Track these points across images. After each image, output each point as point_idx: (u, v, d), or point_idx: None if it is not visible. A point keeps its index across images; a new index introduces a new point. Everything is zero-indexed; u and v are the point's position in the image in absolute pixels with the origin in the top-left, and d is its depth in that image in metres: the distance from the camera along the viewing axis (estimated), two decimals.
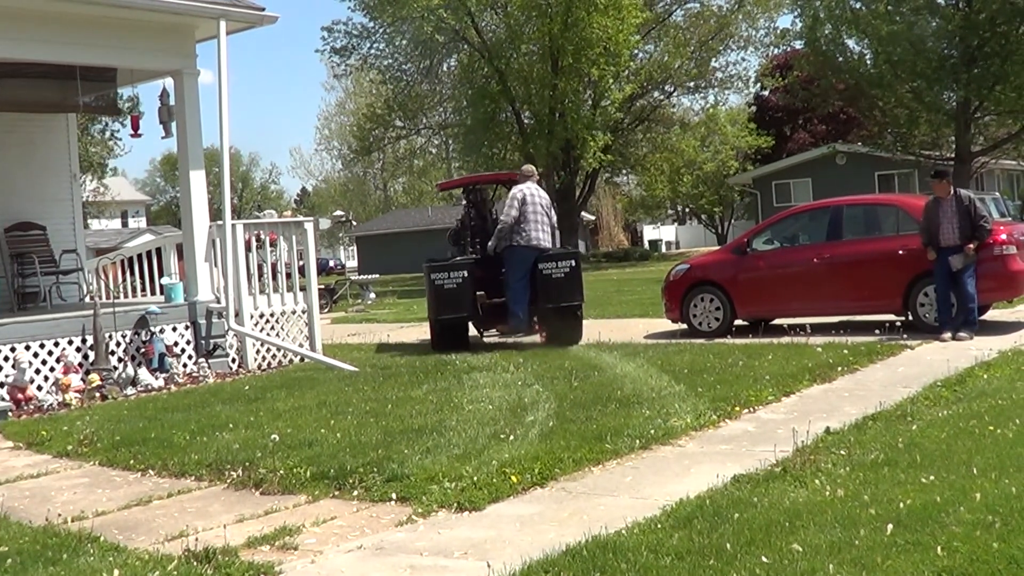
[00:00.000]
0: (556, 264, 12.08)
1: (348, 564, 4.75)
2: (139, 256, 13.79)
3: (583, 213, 48.43)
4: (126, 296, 14.01)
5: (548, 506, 5.47)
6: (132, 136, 23.94)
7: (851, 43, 33.63)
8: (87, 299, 12.87)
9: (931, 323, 11.45)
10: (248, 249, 12.42)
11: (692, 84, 45.00)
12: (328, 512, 5.57)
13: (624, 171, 52.64)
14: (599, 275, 31.59)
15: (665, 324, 13.67)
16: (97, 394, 10.29)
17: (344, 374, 10.92)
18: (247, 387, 10.26)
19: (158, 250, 13.69)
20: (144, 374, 10.96)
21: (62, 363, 10.62)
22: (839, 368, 9.25)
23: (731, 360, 9.85)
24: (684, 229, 69.00)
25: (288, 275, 12.56)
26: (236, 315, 11.98)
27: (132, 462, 7.11)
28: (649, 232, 65.49)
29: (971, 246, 11.03)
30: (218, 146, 12.18)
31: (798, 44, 37.46)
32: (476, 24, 37.56)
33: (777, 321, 13.19)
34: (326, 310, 22.02)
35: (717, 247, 33.08)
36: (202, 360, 11.56)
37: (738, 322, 12.92)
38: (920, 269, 11.51)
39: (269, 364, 12.19)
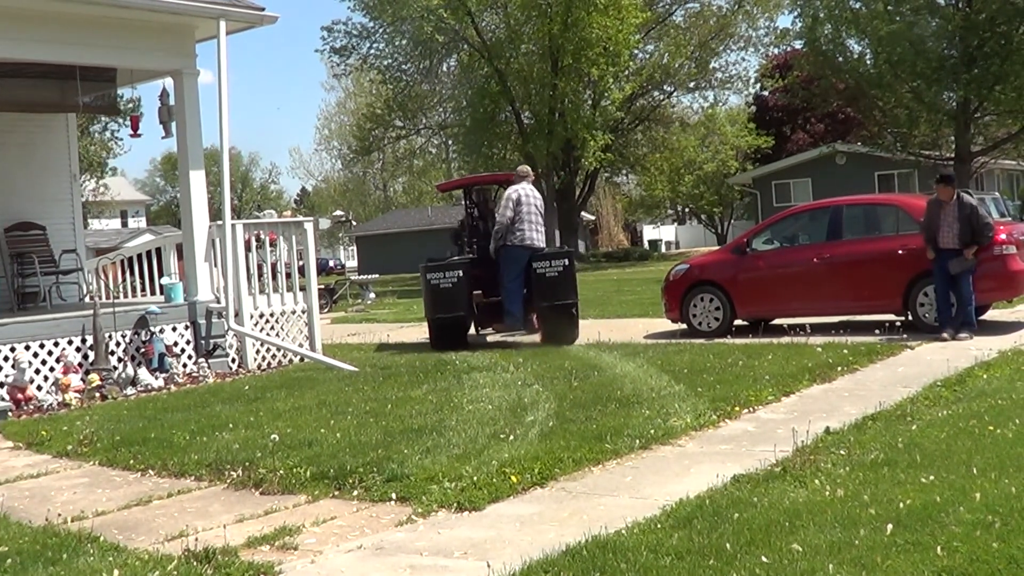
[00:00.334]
0: (550, 263, 12.17)
1: (348, 564, 4.75)
2: (139, 256, 13.78)
3: (583, 213, 48.45)
4: (126, 296, 14.00)
5: (548, 506, 5.47)
6: (132, 136, 23.98)
7: (851, 43, 33.67)
8: (87, 299, 12.85)
9: (931, 323, 11.45)
10: (248, 249, 12.42)
11: (692, 84, 45.07)
12: (328, 512, 5.57)
13: (624, 171, 52.69)
14: (599, 275, 31.58)
15: (665, 324, 13.67)
16: (97, 394, 10.28)
17: (344, 374, 10.92)
18: (247, 387, 10.26)
19: (158, 250, 13.68)
20: (144, 374, 10.96)
21: (62, 363, 10.61)
22: (839, 368, 9.25)
23: (731, 360, 9.85)
24: (684, 229, 68.99)
25: (288, 275, 12.57)
26: (236, 315, 11.98)
27: (132, 462, 7.11)
28: (649, 232, 65.47)
29: (970, 251, 11.01)
30: (218, 146, 12.19)
31: (798, 44, 37.49)
32: (476, 24, 37.56)
33: (777, 321, 13.19)
34: (326, 310, 22.01)
35: (717, 247, 33.11)
36: (202, 360, 11.56)
37: (738, 322, 12.92)
38: (920, 269, 11.50)
39: (269, 364, 12.19)
